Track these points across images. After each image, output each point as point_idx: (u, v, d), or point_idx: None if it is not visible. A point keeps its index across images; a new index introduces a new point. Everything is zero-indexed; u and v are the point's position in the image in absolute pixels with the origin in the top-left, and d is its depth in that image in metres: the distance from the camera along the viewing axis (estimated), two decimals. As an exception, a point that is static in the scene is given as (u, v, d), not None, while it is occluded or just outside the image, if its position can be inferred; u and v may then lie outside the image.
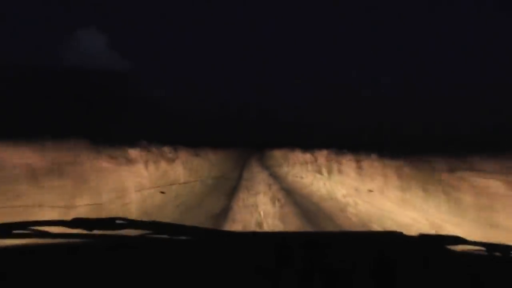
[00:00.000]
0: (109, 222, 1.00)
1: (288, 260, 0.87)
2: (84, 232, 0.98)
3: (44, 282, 0.75)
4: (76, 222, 0.97)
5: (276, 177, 11.97)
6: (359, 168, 6.84)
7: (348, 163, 7.48)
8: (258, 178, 11.38)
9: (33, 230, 0.96)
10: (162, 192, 6.43)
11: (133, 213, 5.15)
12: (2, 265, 0.83)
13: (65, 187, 4.03)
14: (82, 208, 4.15)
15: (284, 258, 0.87)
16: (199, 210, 6.16)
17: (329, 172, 8.92)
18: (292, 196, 7.77)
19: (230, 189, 8.84)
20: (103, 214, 4.35)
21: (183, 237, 1.05)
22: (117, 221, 1.00)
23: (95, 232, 0.99)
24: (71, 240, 0.98)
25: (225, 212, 5.93)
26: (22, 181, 3.49)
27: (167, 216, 5.38)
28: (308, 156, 11.77)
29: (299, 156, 12.92)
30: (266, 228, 4.81)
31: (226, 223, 5.09)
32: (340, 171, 8.04)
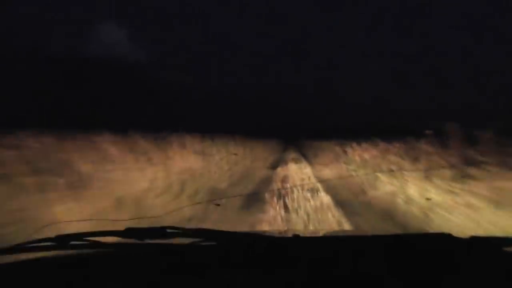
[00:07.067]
0: (160, 231, 1.01)
1: (326, 268, 0.87)
2: (136, 241, 0.99)
3: None
4: (128, 232, 0.99)
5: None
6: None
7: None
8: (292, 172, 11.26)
9: (89, 240, 0.98)
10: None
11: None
12: (61, 276, 0.86)
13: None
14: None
15: (323, 265, 0.89)
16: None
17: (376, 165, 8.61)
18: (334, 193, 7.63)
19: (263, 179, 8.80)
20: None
21: (232, 244, 1.05)
22: (168, 230, 1.02)
23: (147, 241, 1.00)
24: (123, 250, 1.00)
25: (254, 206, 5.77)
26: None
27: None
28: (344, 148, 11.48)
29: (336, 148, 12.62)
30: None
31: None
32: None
